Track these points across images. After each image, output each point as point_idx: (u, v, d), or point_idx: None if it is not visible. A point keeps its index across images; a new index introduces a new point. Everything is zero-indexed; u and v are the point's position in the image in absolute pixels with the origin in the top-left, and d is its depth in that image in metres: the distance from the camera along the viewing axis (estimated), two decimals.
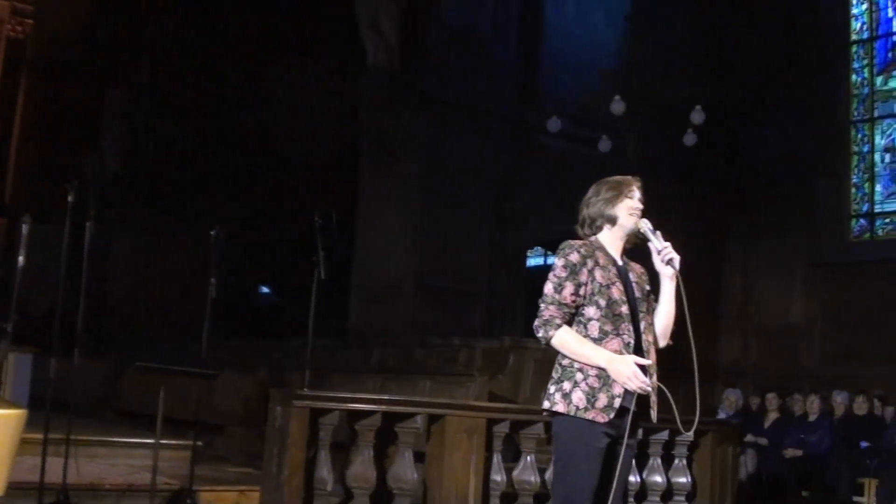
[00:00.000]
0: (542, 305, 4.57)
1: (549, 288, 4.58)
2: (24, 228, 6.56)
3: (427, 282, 15.77)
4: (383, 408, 7.19)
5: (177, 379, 7.59)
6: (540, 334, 4.55)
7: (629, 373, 4.42)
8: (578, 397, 4.47)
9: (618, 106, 15.71)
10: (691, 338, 4.54)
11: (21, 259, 6.66)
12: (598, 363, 4.47)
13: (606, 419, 4.44)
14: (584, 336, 4.54)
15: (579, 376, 4.50)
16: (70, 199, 6.75)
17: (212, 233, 8.05)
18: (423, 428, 7.50)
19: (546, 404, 4.59)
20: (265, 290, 22.37)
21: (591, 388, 4.47)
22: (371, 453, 7.14)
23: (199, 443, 8.40)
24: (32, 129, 18.18)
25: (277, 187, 19.27)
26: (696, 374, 4.44)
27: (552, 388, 4.59)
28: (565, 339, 4.53)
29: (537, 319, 4.56)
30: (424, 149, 16.17)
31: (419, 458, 7.54)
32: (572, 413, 4.47)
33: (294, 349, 12.51)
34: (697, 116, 15.60)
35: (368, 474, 7.09)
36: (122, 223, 18.65)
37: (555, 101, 16.87)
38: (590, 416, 4.44)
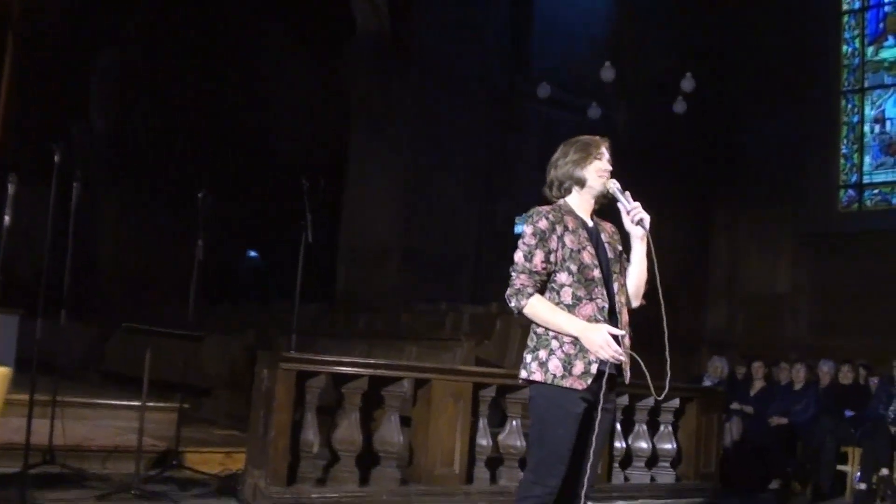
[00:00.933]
0: (513, 274, 4.53)
1: (519, 256, 4.54)
2: (11, 188, 6.51)
3: (415, 247, 15.75)
4: (370, 371, 7.21)
5: (163, 341, 7.59)
6: (512, 304, 4.52)
7: (601, 342, 4.39)
8: (555, 365, 4.45)
9: (608, 73, 15.66)
10: (661, 300, 4.51)
11: (7, 219, 6.62)
12: (570, 332, 4.44)
13: (584, 385, 4.42)
14: (557, 303, 4.51)
15: (555, 344, 4.47)
16: (57, 159, 6.71)
17: (199, 195, 8.03)
18: (409, 392, 7.52)
19: (523, 374, 4.56)
20: (252, 253, 22.35)
21: (567, 355, 4.44)
22: (357, 416, 7.17)
23: (186, 405, 8.41)
24: (19, 90, 18.06)
25: (266, 151, 19.21)
26: (666, 337, 4.43)
27: (528, 357, 4.55)
28: (537, 308, 4.50)
29: (509, 289, 4.52)
30: (413, 115, 16.12)
31: (405, 422, 7.57)
32: (549, 381, 4.44)
33: (281, 313, 12.51)
34: (688, 84, 15.55)
35: (355, 437, 7.12)
36: (110, 185, 18.60)
37: (544, 68, 16.79)
38: (567, 383, 4.42)
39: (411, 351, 10.49)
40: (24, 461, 6.08)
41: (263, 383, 6.85)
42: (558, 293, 4.51)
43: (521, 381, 4.61)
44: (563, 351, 4.44)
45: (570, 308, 4.48)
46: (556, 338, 4.47)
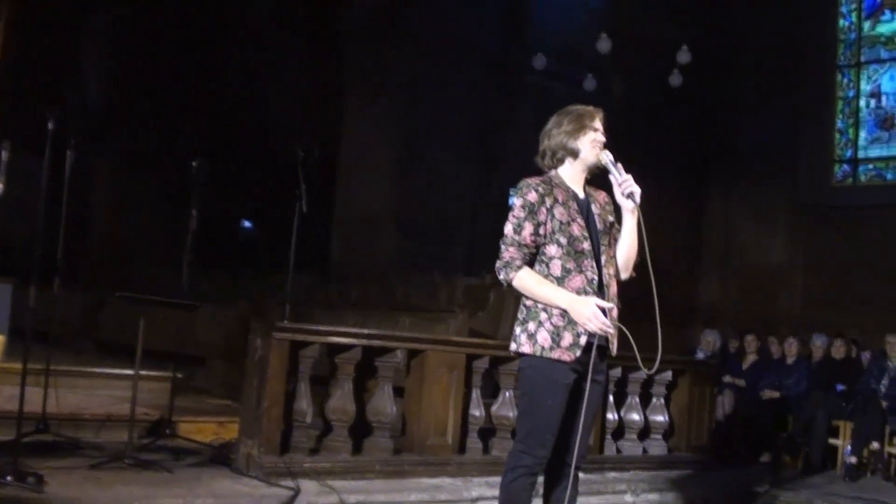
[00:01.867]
0: (503, 247, 4.55)
1: (508, 229, 4.56)
2: (4, 155, 6.47)
3: (409, 218, 15.74)
4: (363, 342, 7.22)
5: (157, 310, 7.57)
6: (501, 276, 4.54)
7: (589, 314, 4.41)
8: (543, 337, 4.47)
9: (604, 44, 15.60)
10: (651, 274, 4.54)
11: (0, 186, 6.58)
12: (558, 305, 4.46)
13: (572, 357, 4.45)
14: (547, 275, 4.53)
15: (543, 316, 4.50)
16: (50, 126, 6.67)
17: (193, 164, 8.00)
18: (402, 363, 7.53)
19: (513, 346, 4.61)
20: (247, 224, 22.30)
21: (556, 327, 4.47)
22: (351, 386, 7.18)
23: (179, 374, 8.41)
24: (12, 57, 17.94)
25: (261, 119, 19.11)
26: (657, 311, 4.45)
27: (518, 329, 4.59)
28: (526, 281, 4.51)
29: (498, 261, 4.55)
30: (408, 84, 16.07)
31: (399, 392, 7.58)
32: (538, 353, 4.47)
33: (275, 283, 12.50)
34: (684, 56, 15.51)
35: (348, 407, 7.13)
36: (103, 152, 18.52)
37: (540, 38, 16.73)
38: (555, 355, 4.45)
39: (405, 322, 10.51)
40: (18, 430, 6.08)
41: (257, 353, 6.85)
42: (548, 265, 4.53)
43: (512, 353, 4.64)
44: (551, 323, 4.47)
45: (560, 280, 4.50)
46: (544, 310, 4.49)
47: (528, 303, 4.57)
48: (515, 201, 4.59)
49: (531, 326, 4.52)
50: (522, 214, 4.52)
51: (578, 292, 4.48)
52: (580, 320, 4.41)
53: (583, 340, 4.45)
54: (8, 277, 9.02)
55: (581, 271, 4.52)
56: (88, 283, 15.10)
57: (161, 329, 8.32)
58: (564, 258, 4.51)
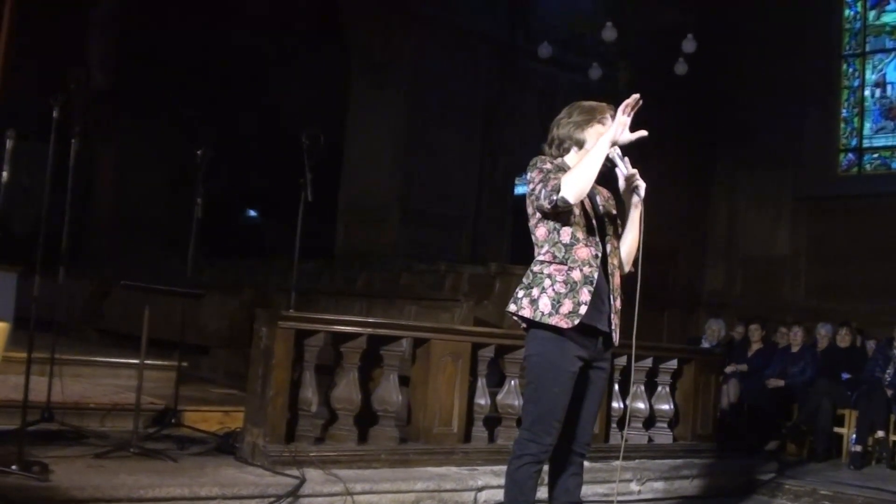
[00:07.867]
0: (542, 188, 4.51)
1: (538, 187, 4.54)
2: (9, 144, 6.46)
3: (414, 206, 15.73)
4: (369, 330, 7.20)
5: (162, 299, 7.55)
6: (554, 198, 4.45)
7: (615, 126, 4.59)
8: (544, 303, 4.53)
9: (609, 33, 15.56)
10: (639, 264, 4.71)
11: (5, 175, 6.57)
12: (600, 151, 4.52)
13: (570, 325, 4.47)
14: (556, 242, 4.58)
15: (547, 282, 4.56)
16: (56, 115, 6.65)
17: (198, 152, 7.98)
18: (408, 351, 7.51)
19: (512, 307, 4.68)
20: (252, 213, 22.32)
21: (558, 293, 4.52)
22: (356, 375, 7.15)
23: (184, 363, 8.40)
24: (17, 44, 17.90)
25: (266, 107, 19.09)
26: (637, 299, 4.52)
27: (521, 293, 4.65)
28: (569, 175, 4.49)
29: (545, 200, 4.48)
30: (412, 71, 16.05)
31: (404, 381, 7.57)
32: (537, 318, 4.52)
33: (279, 271, 12.51)
34: (689, 45, 15.48)
35: (353, 396, 7.11)
36: (108, 140, 18.53)
37: (545, 26, 16.70)
38: (553, 321, 4.49)
39: (410, 310, 10.50)
40: (23, 419, 6.07)
41: (262, 341, 6.84)
42: (558, 232, 4.56)
43: (511, 315, 4.70)
44: (553, 290, 4.53)
45: (568, 248, 4.56)
46: (549, 276, 4.56)
47: (535, 269, 4.63)
48: (532, 172, 4.60)
49: (535, 292, 4.58)
50: (544, 174, 4.54)
51: (584, 263, 4.54)
52: (613, 139, 4.55)
53: (582, 310, 4.49)
54: (13, 266, 9.01)
55: (588, 245, 4.55)
56: (93, 271, 15.09)
57: (165, 318, 8.32)
58: (575, 227, 4.55)
